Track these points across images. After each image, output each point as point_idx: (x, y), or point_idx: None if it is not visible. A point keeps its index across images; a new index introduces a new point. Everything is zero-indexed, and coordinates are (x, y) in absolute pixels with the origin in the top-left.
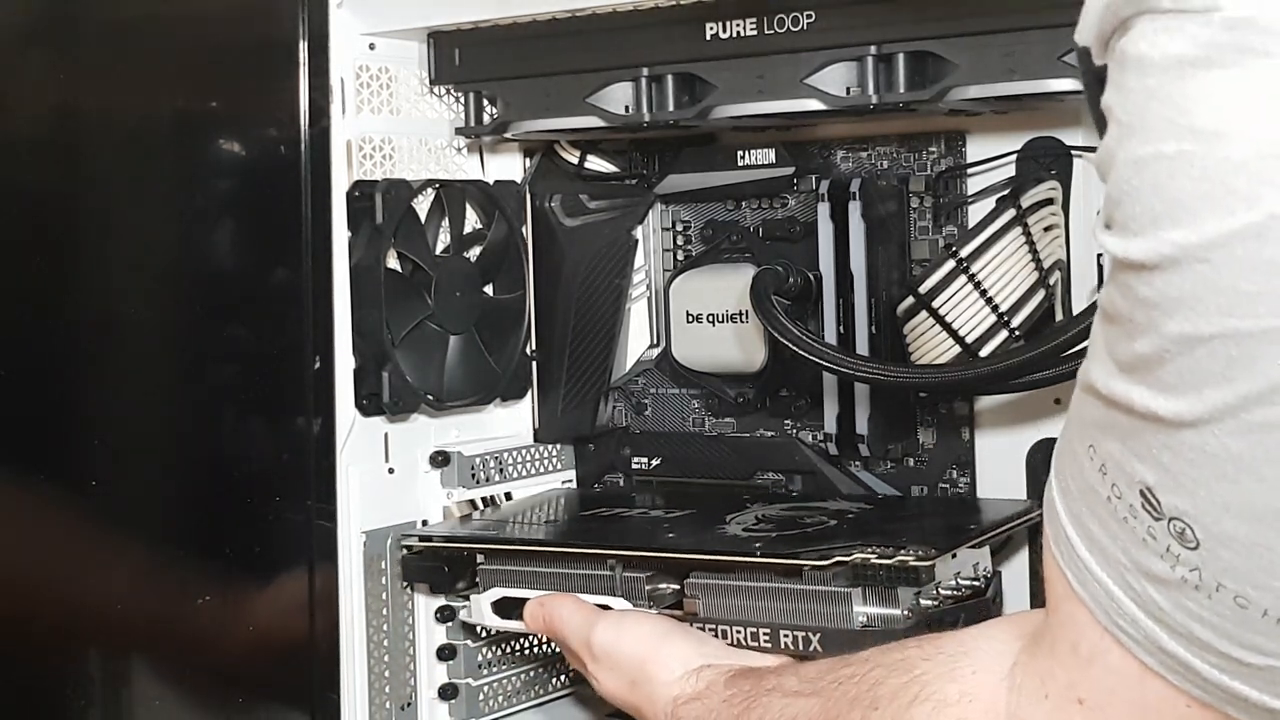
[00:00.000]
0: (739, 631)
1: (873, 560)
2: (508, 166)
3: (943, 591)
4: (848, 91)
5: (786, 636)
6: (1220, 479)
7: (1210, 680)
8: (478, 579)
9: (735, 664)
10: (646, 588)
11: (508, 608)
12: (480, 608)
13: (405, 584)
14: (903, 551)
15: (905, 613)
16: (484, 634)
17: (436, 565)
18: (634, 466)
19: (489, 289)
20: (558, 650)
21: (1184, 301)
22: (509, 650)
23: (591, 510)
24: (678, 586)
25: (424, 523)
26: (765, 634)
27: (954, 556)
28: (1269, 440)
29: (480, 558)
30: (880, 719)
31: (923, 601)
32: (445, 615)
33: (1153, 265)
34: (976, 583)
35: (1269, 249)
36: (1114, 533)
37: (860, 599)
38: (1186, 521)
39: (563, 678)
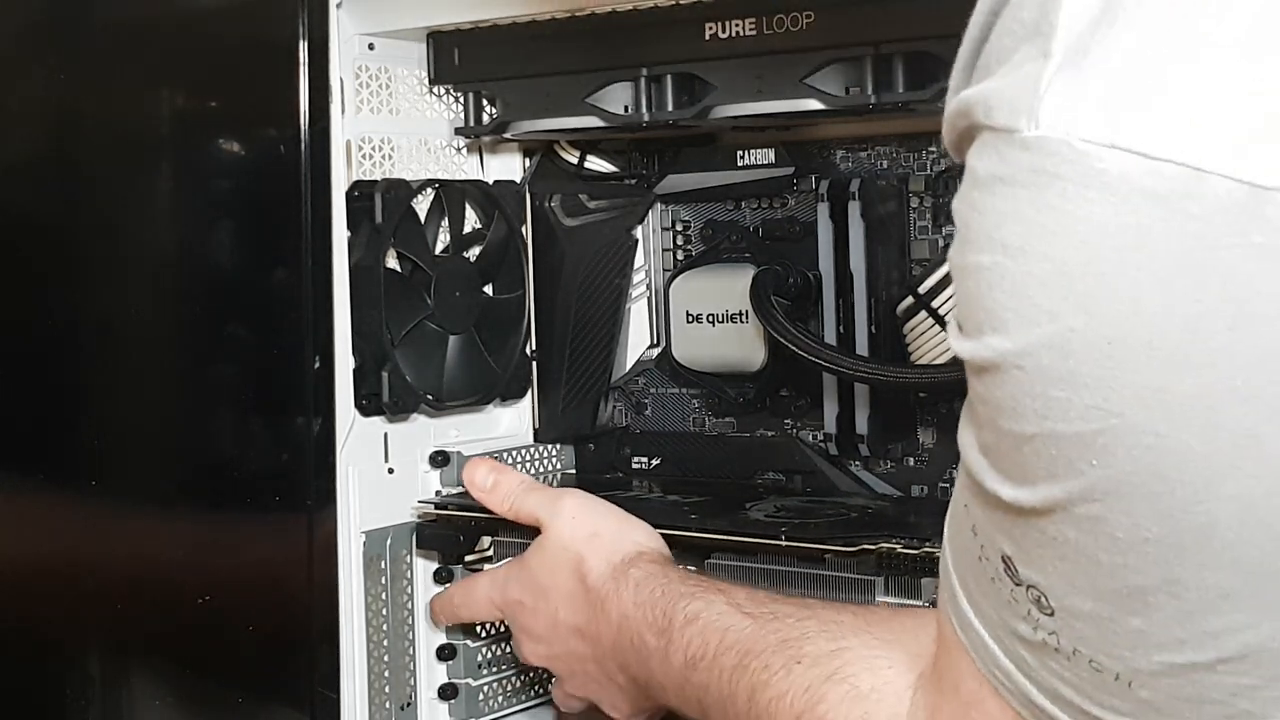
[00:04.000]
0: None
1: (898, 550)
2: (507, 166)
3: None
4: (847, 91)
5: None
6: (1063, 560)
7: None
8: (491, 551)
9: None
10: None
11: None
12: None
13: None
14: (928, 543)
15: (926, 604)
16: (484, 634)
17: (451, 534)
18: (634, 466)
19: (489, 289)
20: None
21: (1007, 402)
22: (509, 650)
23: (609, 493)
24: (696, 568)
25: (438, 492)
26: None
27: None
28: (1099, 530)
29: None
30: (801, 678)
31: None
32: (432, 610)
33: (981, 367)
34: None
35: (1070, 361)
36: (985, 591)
37: (883, 587)
38: (1041, 590)
39: None
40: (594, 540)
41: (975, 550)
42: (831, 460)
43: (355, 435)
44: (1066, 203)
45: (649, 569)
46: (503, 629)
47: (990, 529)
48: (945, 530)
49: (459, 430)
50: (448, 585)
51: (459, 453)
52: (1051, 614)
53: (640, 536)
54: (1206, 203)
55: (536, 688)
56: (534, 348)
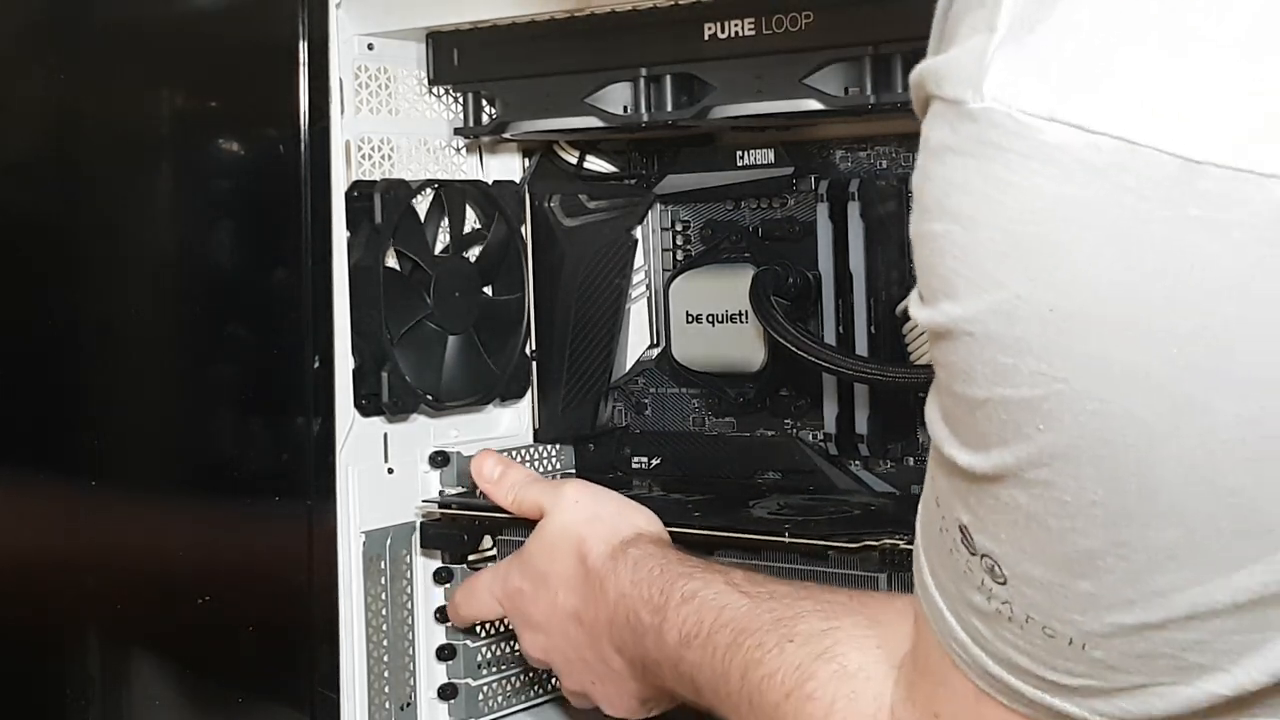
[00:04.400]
0: None
1: (902, 546)
2: (507, 166)
3: None
4: (846, 91)
5: None
6: (1014, 525)
7: (1035, 700)
8: (495, 550)
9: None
10: None
11: None
12: None
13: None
14: None
15: None
16: (484, 634)
17: (455, 533)
18: (634, 466)
19: (488, 289)
20: None
21: (960, 367)
22: (509, 650)
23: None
24: None
25: (441, 491)
26: None
27: None
28: (1048, 495)
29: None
30: (792, 656)
31: None
32: (445, 615)
33: (937, 333)
34: None
35: (1017, 327)
36: (944, 563)
37: (886, 584)
38: (995, 559)
39: None
40: (594, 523)
41: (938, 522)
42: (831, 460)
43: (355, 435)
44: (1011, 173)
45: (647, 549)
46: (503, 628)
47: (950, 498)
48: (919, 507)
49: (459, 430)
50: (448, 585)
51: (459, 453)
52: (1004, 582)
53: (640, 520)
54: (1141, 175)
55: (536, 687)
56: (534, 348)
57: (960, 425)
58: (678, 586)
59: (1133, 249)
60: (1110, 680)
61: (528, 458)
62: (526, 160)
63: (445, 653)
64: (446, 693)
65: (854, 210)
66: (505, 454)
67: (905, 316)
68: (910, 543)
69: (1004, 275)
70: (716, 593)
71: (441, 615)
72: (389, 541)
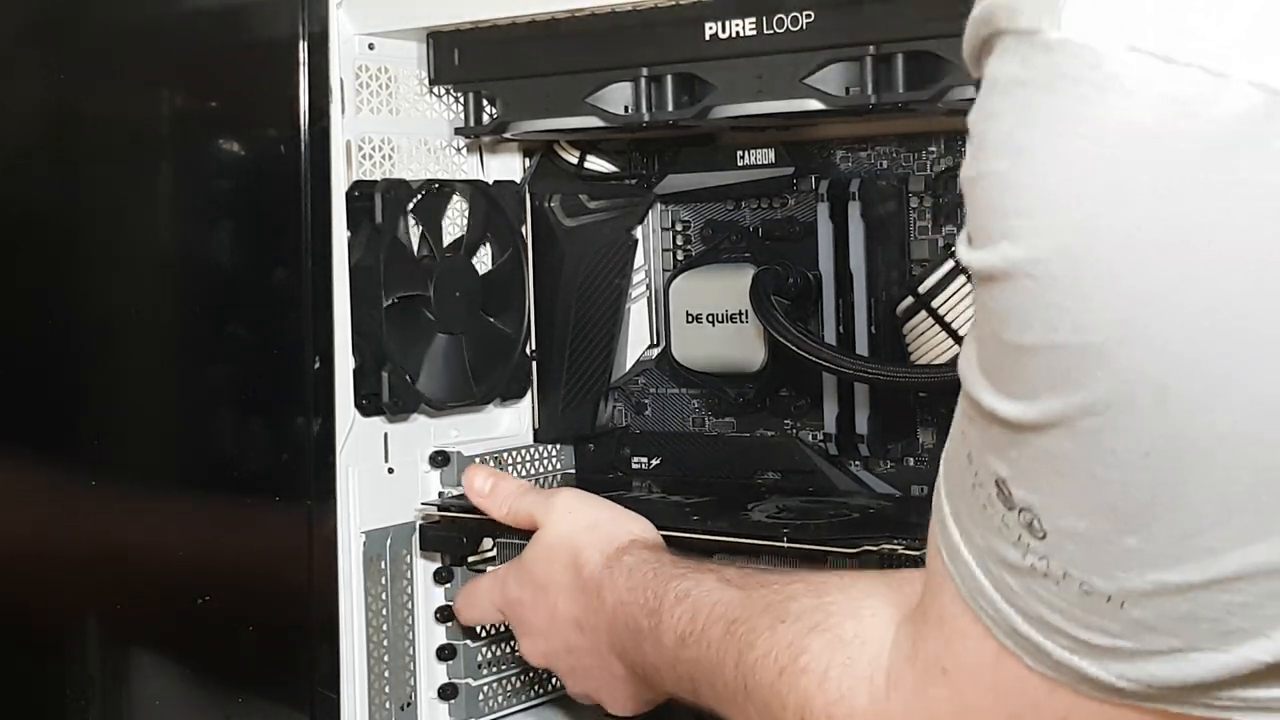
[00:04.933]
0: None
1: (900, 551)
2: (507, 166)
3: None
4: (847, 91)
5: None
6: (1059, 476)
7: (1061, 661)
8: (495, 552)
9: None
10: None
11: None
12: None
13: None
14: None
15: None
16: (484, 634)
17: (454, 535)
18: (634, 466)
19: (489, 289)
20: None
21: (1015, 313)
22: (509, 650)
23: (609, 493)
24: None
25: (441, 493)
26: None
27: None
28: (1100, 445)
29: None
30: (784, 634)
31: None
32: (445, 615)
33: (989, 277)
34: None
35: (1083, 267)
36: (975, 518)
37: None
38: (1034, 513)
39: None
40: (589, 531)
41: (969, 478)
42: (831, 460)
43: (355, 435)
44: (1087, 106)
45: (641, 554)
46: (503, 629)
47: (986, 452)
48: (941, 462)
49: (459, 430)
50: (449, 586)
51: (459, 453)
52: (1043, 537)
53: (635, 527)
54: (1226, 107)
55: (536, 688)
56: (534, 348)
57: (1004, 374)
58: (671, 587)
59: (1212, 182)
60: (1145, 642)
61: (528, 458)
62: (527, 160)
63: (445, 653)
64: (446, 693)
65: (854, 210)
66: (500, 456)
67: (906, 316)
68: (909, 548)
69: (1070, 213)
70: (708, 590)
71: (441, 615)
72: (389, 541)
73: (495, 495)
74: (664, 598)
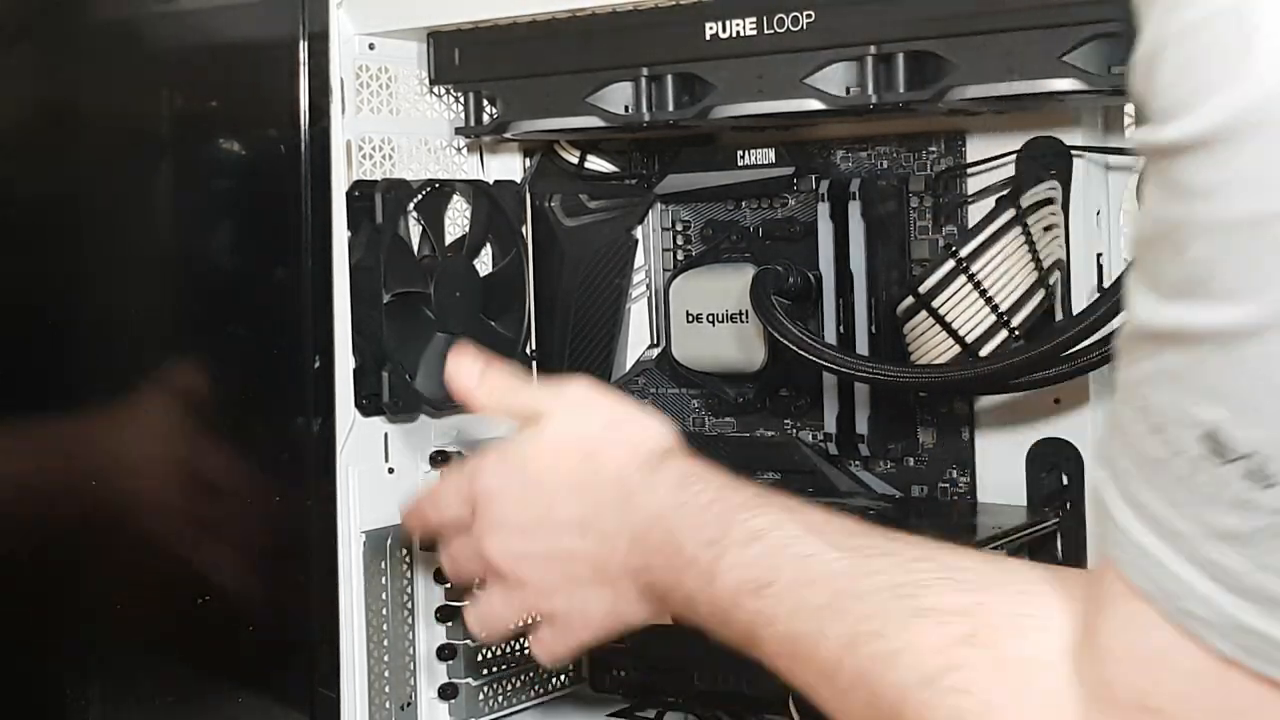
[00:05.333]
0: None
1: None
2: (508, 166)
3: None
4: (847, 91)
5: None
6: None
7: None
8: None
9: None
10: None
11: None
12: None
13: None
14: None
15: None
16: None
17: None
18: None
19: (488, 289)
20: None
21: (1237, 181)
22: (509, 650)
23: None
24: None
25: None
26: None
27: None
28: None
29: None
30: (928, 636)
31: None
32: (445, 615)
33: (1200, 143)
34: None
35: None
36: (1175, 499)
37: None
38: (1263, 454)
39: (563, 678)
40: (610, 430)
41: (1160, 452)
42: (831, 460)
43: (355, 435)
44: None
45: (690, 467)
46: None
47: (1186, 403)
48: (1104, 482)
49: (460, 430)
50: (449, 586)
51: (459, 453)
52: (1275, 483)
53: (659, 429)
54: None
55: (537, 687)
56: (534, 348)
57: (1219, 271)
58: (739, 520)
59: None
60: None
61: None
62: (527, 160)
63: (445, 653)
64: (447, 693)
65: (855, 210)
66: None
67: (906, 316)
68: None
69: None
70: (793, 537)
71: (441, 615)
72: (389, 541)
73: (486, 383)
74: (729, 530)
